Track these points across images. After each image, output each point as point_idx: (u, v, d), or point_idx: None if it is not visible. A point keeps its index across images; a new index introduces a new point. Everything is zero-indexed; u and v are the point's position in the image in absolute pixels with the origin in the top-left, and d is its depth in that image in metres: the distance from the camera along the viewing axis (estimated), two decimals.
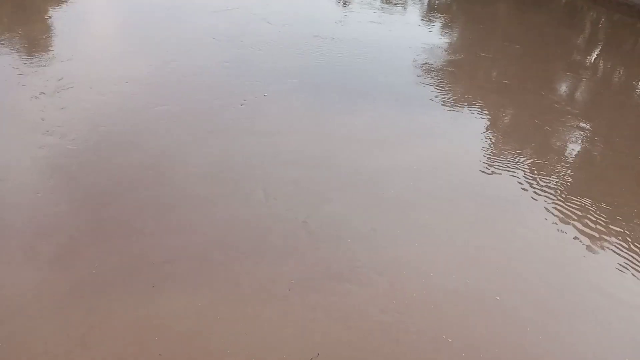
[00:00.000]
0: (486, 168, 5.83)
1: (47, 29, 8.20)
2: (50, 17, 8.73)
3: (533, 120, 7.37)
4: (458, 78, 8.72)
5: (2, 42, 7.46)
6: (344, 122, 6.49)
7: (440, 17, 12.87)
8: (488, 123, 7.08)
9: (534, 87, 8.74)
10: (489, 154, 6.15)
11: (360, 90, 7.48)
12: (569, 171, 6.05)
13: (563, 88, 9.30)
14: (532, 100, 8.14)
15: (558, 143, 6.86)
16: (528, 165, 5.94)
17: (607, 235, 4.87)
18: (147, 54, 7.64)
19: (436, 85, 8.06)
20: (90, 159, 4.96)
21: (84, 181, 4.67)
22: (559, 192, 5.49)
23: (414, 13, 12.79)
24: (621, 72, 11.08)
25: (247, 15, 10.11)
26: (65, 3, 9.44)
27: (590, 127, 7.51)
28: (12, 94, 6.05)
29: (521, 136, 6.86)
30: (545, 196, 5.38)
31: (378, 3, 13.00)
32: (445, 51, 9.99)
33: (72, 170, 4.79)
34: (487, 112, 7.40)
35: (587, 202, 5.35)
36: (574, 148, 6.85)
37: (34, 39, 7.73)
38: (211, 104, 6.41)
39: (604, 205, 5.33)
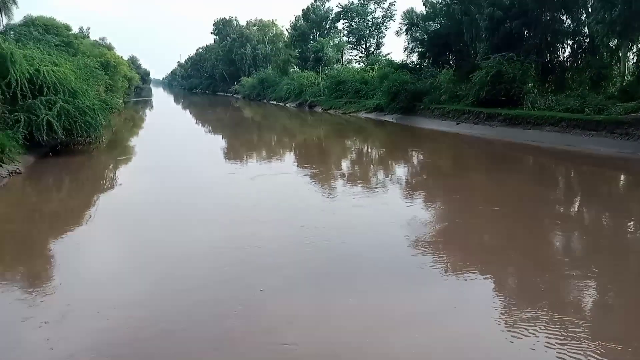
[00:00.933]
0: (502, 336, 5.69)
1: (49, 261, 8.48)
2: (51, 249, 9.07)
3: (533, 277, 7.41)
4: (446, 246, 8.96)
5: (5, 279, 7.63)
6: (344, 309, 6.46)
7: (417, 193, 13.66)
8: (490, 288, 7.08)
9: (523, 245, 8.96)
10: (501, 321, 6.03)
11: (353, 272, 7.61)
12: (586, 322, 5.93)
13: (554, 241, 9.55)
14: (526, 257, 8.29)
15: (565, 295, 6.83)
16: (545, 325, 5.82)
17: None
18: (147, 273, 7.83)
19: (427, 256, 8.24)
20: None
21: None
22: (585, 346, 5.34)
23: (393, 192, 13.59)
24: (606, 217, 11.48)
25: (240, 218, 10.63)
26: (65, 234, 9.90)
27: (591, 274, 7.56)
28: (17, 327, 6.00)
29: (528, 295, 6.81)
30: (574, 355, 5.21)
31: (358, 189, 13.86)
32: (428, 223, 10.42)
33: None
34: (485, 277, 7.45)
35: (616, 347, 5.19)
36: (582, 297, 6.81)
37: (38, 272, 7.92)
38: (211, 313, 6.39)
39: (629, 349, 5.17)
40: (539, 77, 29.33)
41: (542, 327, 5.73)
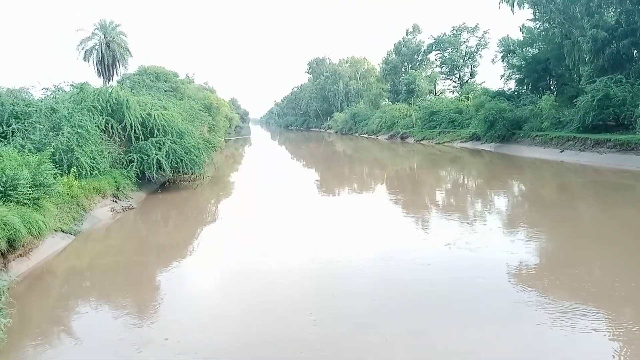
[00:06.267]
0: None
1: (155, 288, 9.05)
2: (157, 278, 9.67)
3: None
4: (552, 286, 8.38)
5: (117, 300, 8.24)
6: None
7: (519, 226, 12.94)
8: (601, 336, 6.45)
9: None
10: None
11: (447, 306, 7.32)
12: None
13: None
14: None
15: None
16: None
17: None
18: (238, 298, 8.09)
19: (530, 296, 7.74)
20: None
21: None
22: None
23: (491, 224, 12.99)
24: None
25: (329, 245, 10.73)
26: (170, 265, 10.50)
27: None
28: (131, 331, 6.43)
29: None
30: None
31: (454, 219, 13.42)
32: (530, 259, 9.83)
33: None
34: (595, 324, 6.82)
35: None
36: None
37: (145, 296, 8.45)
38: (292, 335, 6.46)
39: None
40: None
41: None
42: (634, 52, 28.68)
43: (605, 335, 6.33)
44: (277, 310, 7.56)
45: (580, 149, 25.65)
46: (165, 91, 29.91)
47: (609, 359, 5.70)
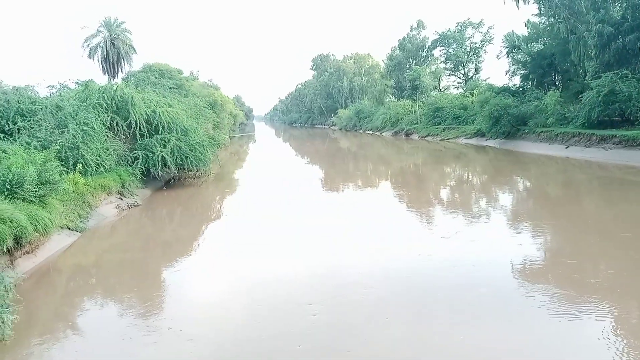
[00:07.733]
0: None
1: (160, 284, 9.12)
2: (162, 275, 9.72)
3: None
4: (556, 283, 8.37)
5: (124, 296, 8.30)
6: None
7: (523, 223, 12.93)
8: (603, 332, 6.47)
9: None
10: None
11: (449, 304, 7.33)
12: None
13: None
14: None
15: None
16: None
17: None
18: (240, 296, 8.13)
19: (534, 292, 7.74)
20: None
21: None
22: None
23: (495, 221, 12.98)
24: None
25: (334, 244, 10.75)
26: (175, 261, 10.55)
27: None
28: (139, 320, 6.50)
29: None
30: None
31: (459, 217, 13.41)
32: (535, 257, 9.80)
33: None
34: (598, 319, 6.83)
35: None
36: None
37: (150, 292, 8.49)
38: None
39: None
40: None
41: None
42: None
43: (604, 325, 6.34)
44: (278, 302, 7.67)
45: (585, 145, 25.56)
46: (170, 88, 29.88)
47: (608, 347, 5.71)
